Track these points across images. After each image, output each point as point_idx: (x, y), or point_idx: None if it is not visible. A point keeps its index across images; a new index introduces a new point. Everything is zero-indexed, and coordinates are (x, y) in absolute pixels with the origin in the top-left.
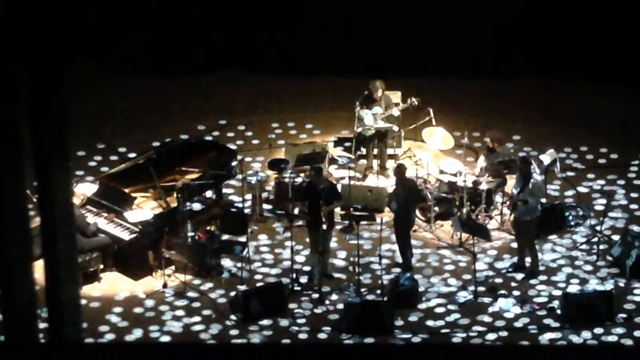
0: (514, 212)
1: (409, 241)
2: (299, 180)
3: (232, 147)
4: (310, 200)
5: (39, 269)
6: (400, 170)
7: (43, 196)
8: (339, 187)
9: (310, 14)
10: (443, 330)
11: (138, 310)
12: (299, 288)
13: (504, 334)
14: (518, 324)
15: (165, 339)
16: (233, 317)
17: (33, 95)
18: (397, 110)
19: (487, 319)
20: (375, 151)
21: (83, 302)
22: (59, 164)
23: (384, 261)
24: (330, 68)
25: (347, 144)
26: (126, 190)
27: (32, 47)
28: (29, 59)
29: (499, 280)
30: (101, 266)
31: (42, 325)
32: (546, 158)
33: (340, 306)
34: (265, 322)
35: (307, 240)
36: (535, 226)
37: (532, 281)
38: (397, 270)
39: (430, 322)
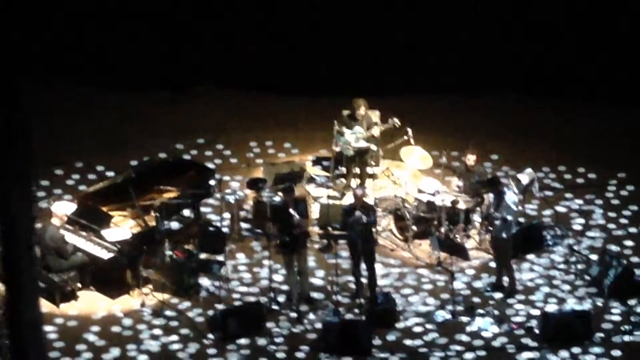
0: (491, 230)
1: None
2: (277, 199)
3: (211, 166)
4: (282, 221)
5: None
6: (357, 197)
7: (4, 219)
8: (317, 206)
9: (290, 32)
10: (421, 350)
11: (115, 329)
12: (277, 307)
13: (482, 353)
14: (496, 344)
15: (143, 358)
16: (211, 336)
17: None
18: (377, 130)
19: (465, 338)
20: (356, 170)
21: (60, 321)
22: (21, 185)
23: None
24: (308, 87)
25: (325, 163)
26: (104, 209)
27: None
28: None
29: (477, 300)
30: (79, 285)
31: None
32: (524, 177)
33: (319, 325)
34: (243, 341)
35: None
36: (510, 244)
37: (510, 300)
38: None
39: (408, 342)
